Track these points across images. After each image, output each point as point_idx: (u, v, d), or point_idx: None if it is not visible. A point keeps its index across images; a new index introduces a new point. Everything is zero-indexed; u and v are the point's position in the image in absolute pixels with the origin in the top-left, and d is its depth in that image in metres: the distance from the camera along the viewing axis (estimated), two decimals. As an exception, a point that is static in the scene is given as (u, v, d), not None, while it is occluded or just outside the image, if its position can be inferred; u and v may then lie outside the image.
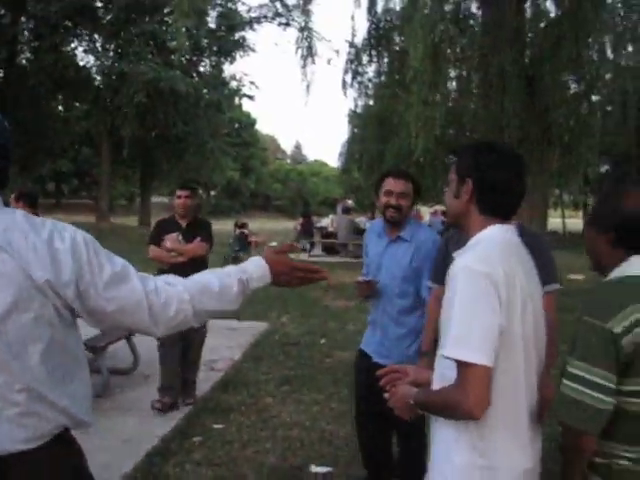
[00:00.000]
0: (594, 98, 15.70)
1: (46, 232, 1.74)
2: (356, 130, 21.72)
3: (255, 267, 2.07)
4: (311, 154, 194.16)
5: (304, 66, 17.56)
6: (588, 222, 2.28)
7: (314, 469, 4.71)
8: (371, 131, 18.72)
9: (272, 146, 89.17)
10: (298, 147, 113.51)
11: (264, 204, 73.19)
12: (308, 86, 17.86)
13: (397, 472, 4.29)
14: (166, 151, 30.63)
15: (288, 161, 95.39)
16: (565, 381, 2.00)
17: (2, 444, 1.67)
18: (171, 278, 1.98)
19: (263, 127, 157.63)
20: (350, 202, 28.68)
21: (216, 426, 5.57)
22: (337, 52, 24.36)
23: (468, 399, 1.83)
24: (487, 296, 1.85)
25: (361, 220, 24.89)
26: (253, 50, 31.64)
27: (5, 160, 1.84)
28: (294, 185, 73.49)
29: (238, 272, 2.03)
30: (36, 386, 1.70)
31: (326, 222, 26.25)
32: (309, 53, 17.43)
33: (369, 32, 17.60)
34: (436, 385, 2.08)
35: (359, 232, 20.43)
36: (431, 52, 12.71)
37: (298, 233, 22.54)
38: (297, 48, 17.59)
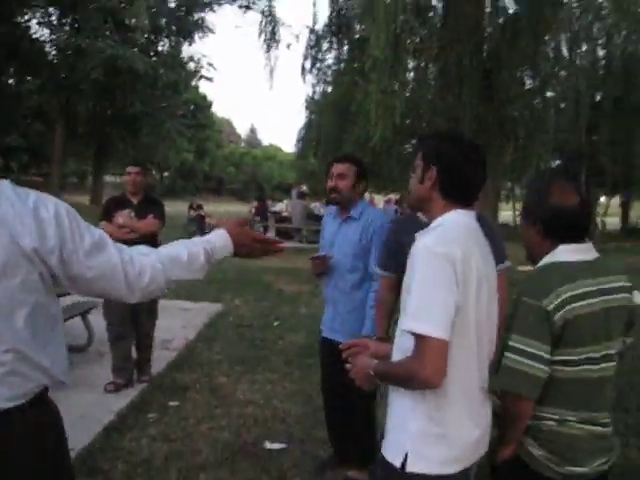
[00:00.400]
0: (549, 94, 16.01)
1: (31, 201, 1.82)
2: (313, 116, 21.71)
3: (218, 238, 2.20)
4: (266, 138, 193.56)
5: (268, 51, 17.64)
6: (521, 215, 2.54)
7: (268, 445, 4.86)
8: (328, 118, 18.76)
9: (227, 129, 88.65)
10: (253, 131, 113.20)
11: (217, 187, 72.81)
12: (272, 71, 17.96)
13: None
14: (122, 130, 30.20)
15: (242, 145, 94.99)
16: (507, 354, 2.25)
17: None
18: (144, 249, 2.09)
19: (218, 110, 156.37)
20: (304, 188, 28.78)
21: (171, 403, 5.65)
22: (297, 37, 24.25)
23: (425, 369, 1.96)
24: (444, 274, 1.98)
25: (315, 205, 25.03)
26: (212, 32, 31.33)
27: None
28: (248, 169, 73.28)
29: (203, 243, 2.16)
30: (21, 347, 1.79)
31: (280, 207, 26.34)
32: (272, 38, 17.49)
33: (330, 19, 17.66)
34: (396, 358, 2.21)
35: (313, 217, 20.54)
36: (392, 42, 12.83)
37: (252, 217, 22.56)
38: (260, 32, 17.63)
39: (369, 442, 4.32)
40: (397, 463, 2.11)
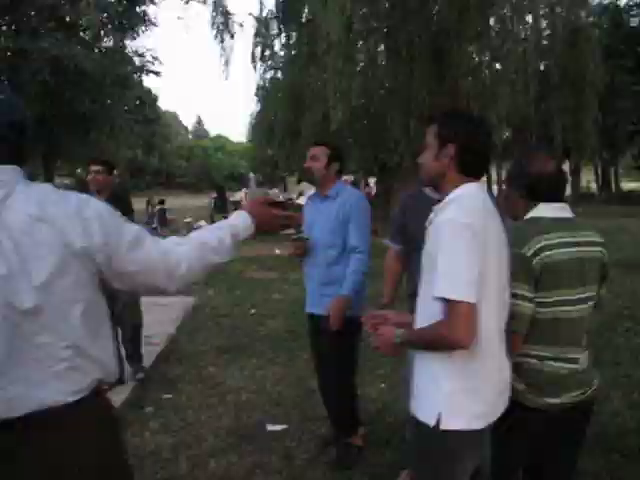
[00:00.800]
0: (498, 67, 16.28)
1: (74, 202, 1.89)
2: (265, 104, 21.68)
3: (240, 219, 2.26)
4: (212, 129, 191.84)
5: (222, 41, 17.70)
6: (506, 181, 2.87)
7: (270, 427, 4.98)
8: (282, 104, 18.78)
9: (173, 122, 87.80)
10: (199, 122, 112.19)
11: (168, 181, 72.21)
12: (227, 61, 18.03)
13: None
14: (70, 130, 29.59)
15: (190, 137, 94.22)
16: None
17: (52, 397, 1.83)
18: (177, 239, 2.17)
19: (163, 103, 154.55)
20: (257, 176, 28.68)
21: (166, 396, 5.72)
22: (241, 25, 24.18)
23: (458, 332, 2.12)
24: (469, 243, 2.14)
25: (274, 192, 25.07)
26: (155, 25, 30.92)
27: (22, 136, 1.97)
28: (198, 161, 72.83)
29: (228, 226, 2.23)
30: (79, 343, 1.87)
31: (239, 196, 26.26)
32: (225, 29, 17.52)
33: (276, 5, 17.71)
34: (421, 324, 2.34)
35: (273, 204, 20.48)
36: (345, 25, 12.91)
37: (212, 208, 22.44)
38: (213, 24, 17.66)
39: (353, 408, 4.55)
40: (431, 422, 2.25)
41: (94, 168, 5.93)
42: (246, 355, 6.94)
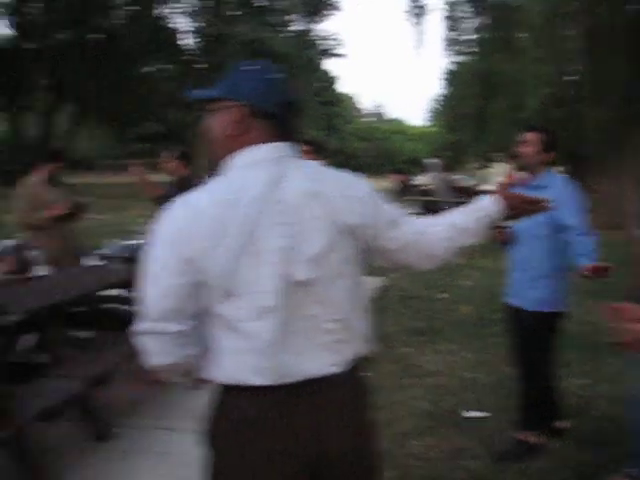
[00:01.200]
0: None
1: (344, 181, 2.03)
2: (453, 88, 21.43)
3: (491, 204, 2.27)
4: (389, 112, 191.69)
5: (417, 23, 17.84)
6: None
7: (468, 413, 5.02)
8: (471, 89, 18.46)
9: (350, 104, 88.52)
10: (379, 106, 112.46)
11: (345, 162, 73.12)
12: (419, 44, 18.16)
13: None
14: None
15: (365, 119, 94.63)
16: None
17: (318, 367, 1.95)
18: (431, 219, 2.26)
19: (341, 85, 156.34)
20: (437, 160, 28.20)
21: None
22: (422, 8, 24.00)
23: None
24: None
25: (459, 178, 24.65)
26: (338, 9, 31.40)
27: (293, 115, 2.08)
28: (377, 143, 73.12)
29: (477, 210, 2.25)
30: (345, 316, 1.99)
31: (422, 180, 25.94)
32: (421, 12, 17.63)
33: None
34: None
35: (458, 190, 20.18)
36: (545, 9, 12.54)
37: (399, 190, 22.29)
38: (409, 10, 17.86)
39: (538, 405, 4.46)
40: None
41: (302, 148, 6.17)
42: (438, 339, 7.01)
